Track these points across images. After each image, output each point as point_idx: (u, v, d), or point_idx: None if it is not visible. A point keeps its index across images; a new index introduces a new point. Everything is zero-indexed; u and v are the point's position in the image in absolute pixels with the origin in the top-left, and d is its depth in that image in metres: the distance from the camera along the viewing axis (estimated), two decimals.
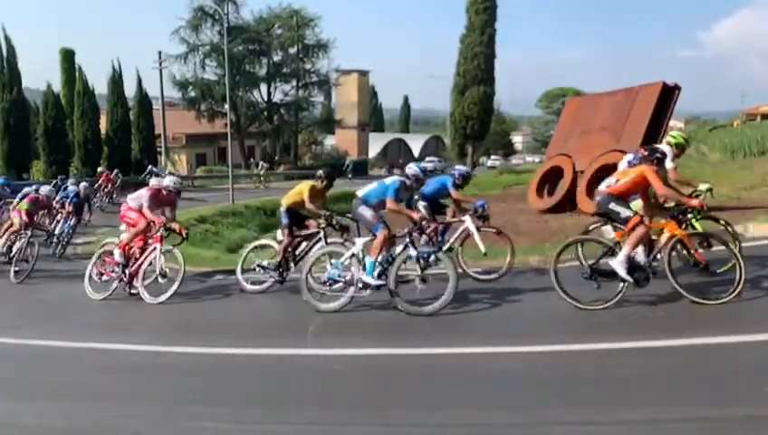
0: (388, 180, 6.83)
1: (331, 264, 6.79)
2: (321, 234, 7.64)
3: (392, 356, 5.03)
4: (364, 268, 6.31)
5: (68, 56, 34.51)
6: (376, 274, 6.26)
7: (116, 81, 34.12)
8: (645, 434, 3.31)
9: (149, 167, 29.38)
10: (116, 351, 5.74)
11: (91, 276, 8.23)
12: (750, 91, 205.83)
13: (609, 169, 10.17)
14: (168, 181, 8.49)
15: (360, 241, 6.63)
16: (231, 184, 25.00)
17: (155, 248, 7.79)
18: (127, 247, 8.06)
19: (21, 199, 11.08)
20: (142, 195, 8.22)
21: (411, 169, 7.03)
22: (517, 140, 79.71)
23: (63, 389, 4.82)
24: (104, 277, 8.21)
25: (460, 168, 8.47)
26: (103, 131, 33.66)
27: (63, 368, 5.48)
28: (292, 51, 45.45)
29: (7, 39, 30.65)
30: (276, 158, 46.97)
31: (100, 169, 25.68)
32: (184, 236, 7.93)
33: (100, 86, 34.37)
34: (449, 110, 45.41)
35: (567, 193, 13.57)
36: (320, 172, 8.08)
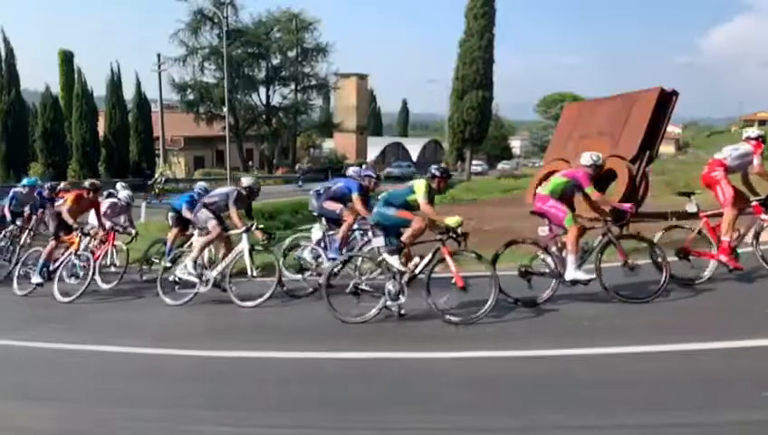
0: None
1: None
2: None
3: (392, 360, 5.03)
4: None
5: (67, 58, 34.51)
6: None
7: (115, 83, 34.20)
8: None
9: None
10: (115, 353, 5.74)
11: None
12: (748, 98, 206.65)
13: (606, 174, 10.16)
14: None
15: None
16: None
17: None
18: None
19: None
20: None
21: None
22: (515, 144, 79.99)
23: (63, 391, 4.81)
24: None
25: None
26: (101, 134, 33.67)
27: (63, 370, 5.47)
28: (292, 54, 45.57)
29: (6, 41, 30.76)
30: (275, 161, 46.98)
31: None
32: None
33: (99, 88, 34.53)
34: (448, 114, 45.53)
35: None
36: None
